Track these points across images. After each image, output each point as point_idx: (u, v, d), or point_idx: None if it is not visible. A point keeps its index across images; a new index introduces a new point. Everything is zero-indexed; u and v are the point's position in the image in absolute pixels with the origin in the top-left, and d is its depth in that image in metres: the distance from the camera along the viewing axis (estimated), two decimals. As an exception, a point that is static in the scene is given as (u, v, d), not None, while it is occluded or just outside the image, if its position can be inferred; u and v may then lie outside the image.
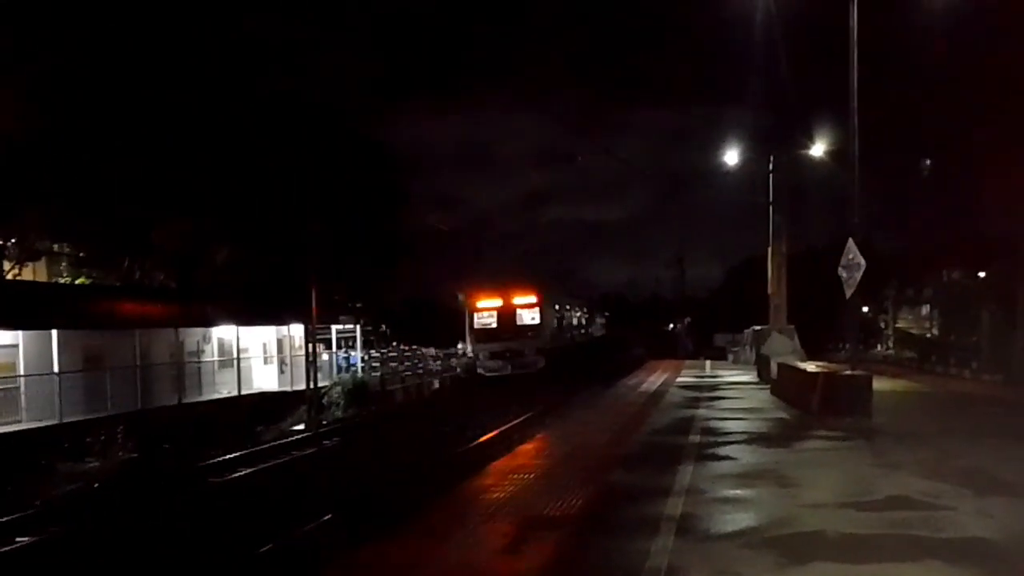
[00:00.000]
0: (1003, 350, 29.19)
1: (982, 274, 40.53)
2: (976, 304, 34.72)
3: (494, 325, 40.82)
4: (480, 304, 41.22)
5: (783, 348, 28.16)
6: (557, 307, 44.57)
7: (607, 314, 61.81)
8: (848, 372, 18.92)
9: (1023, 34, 23.62)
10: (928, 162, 30.42)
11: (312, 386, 30.19)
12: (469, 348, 42.66)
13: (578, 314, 49.94)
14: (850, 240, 18.50)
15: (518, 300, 40.80)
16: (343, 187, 37.90)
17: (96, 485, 19.61)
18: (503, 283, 41.37)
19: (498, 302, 40.85)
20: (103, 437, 22.20)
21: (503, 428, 26.13)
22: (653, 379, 32.50)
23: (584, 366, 42.03)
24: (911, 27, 25.27)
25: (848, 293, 18.71)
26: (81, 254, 30.78)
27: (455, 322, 58.25)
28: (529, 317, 40.82)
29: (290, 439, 25.81)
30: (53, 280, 30.14)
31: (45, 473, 20.15)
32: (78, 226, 28.81)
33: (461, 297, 42.02)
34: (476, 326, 41.45)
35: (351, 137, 40.30)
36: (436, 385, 41.19)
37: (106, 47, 27.68)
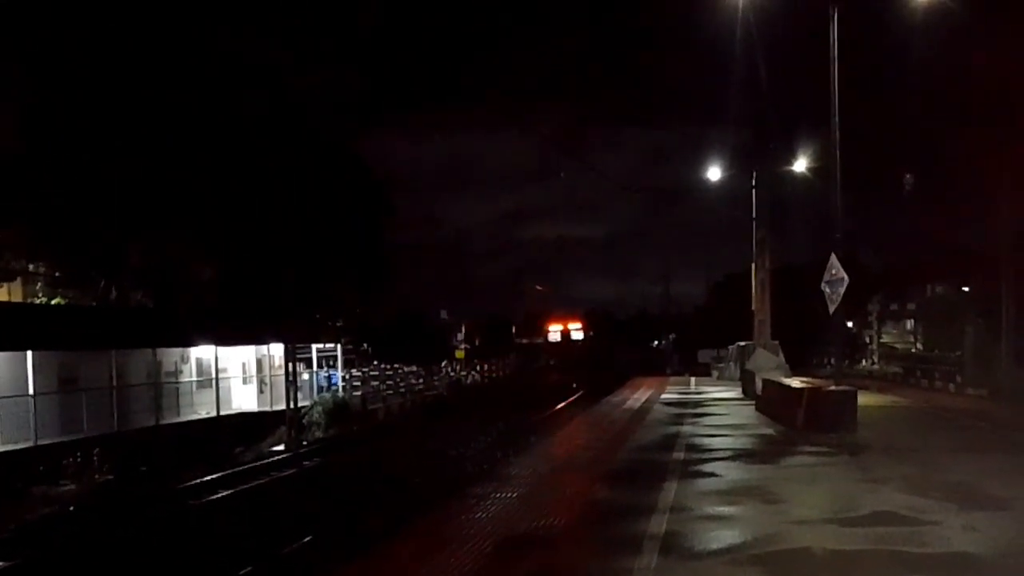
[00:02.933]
0: (986, 364, 29.18)
1: (966, 288, 40.63)
2: (960, 318, 34.74)
3: (559, 339, 70.36)
4: (551, 328, 71.13)
5: (768, 364, 28.00)
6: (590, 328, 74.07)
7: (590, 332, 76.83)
8: (833, 387, 18.83)
9: (1003, 48, 23.75)
10: (911, 177, 30.44)
11: (292, 406, 29.85)
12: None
13: (590, 333, 76.04)
14: (833, 255, 18.47)
15: (571, 325, 71.25)
16: (325, 204, 37.71)
17: (71, 508, 19.25)
18: (563, 315, 72.18)
19: (560, 326, 70.83)
20: (79, 460, 21.81)
21: (483, 447, 26.12)
22: (638, 395, 32.32)
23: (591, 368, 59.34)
24: (893, 41, 25.37)
25: (832, 308, 18.66)
26: (57, 274, 30.39)
27: (439, 340, 58.48)
28: (577, 335, 70.89)
29: (270, 460, 25.47)
30: (28, 300, 29.75)
31: (19, 497, 19.77)
32: (54, 244, 28.45)
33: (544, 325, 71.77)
34: (549, 340, 71.29)
35: (335, 155, 40.17)
36: (418, 404, 41.07)
37: (85, 56, 27.57)
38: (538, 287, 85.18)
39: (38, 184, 26.92)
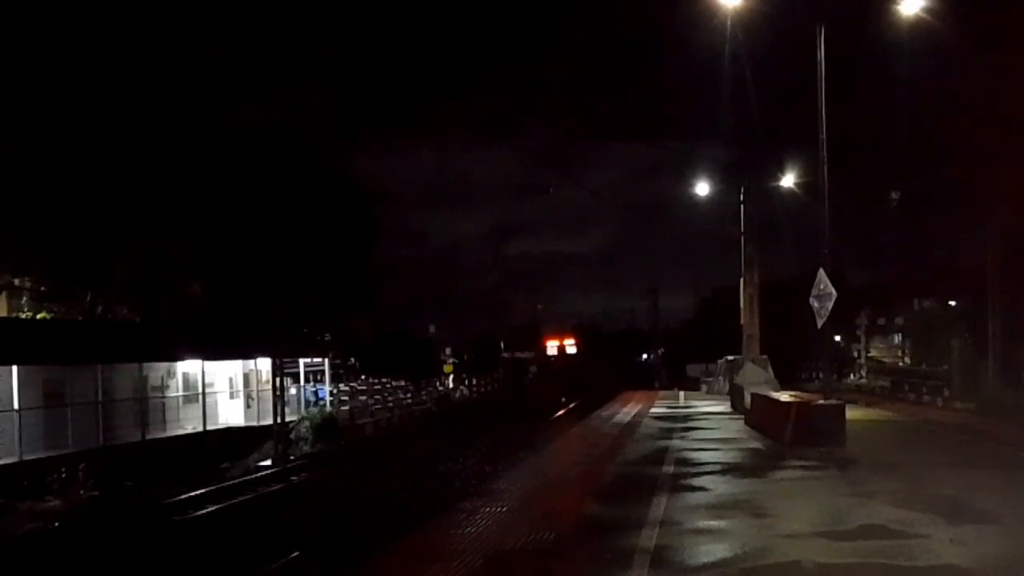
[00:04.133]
0: (973, 378, 29.29)
1: (952, 303, 40.82)
2: (947, 333, 34.87)
3: (555, 353, 74.97)
4: (549, 344, 75.47)
5: (756, 378, 28.02)
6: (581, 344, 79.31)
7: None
8: (821, 401, 18.84)
9: (991, 68, 23.96)
10: (897, 193, 30.63)
11: (279, 421, 29.67)
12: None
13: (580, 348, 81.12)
14: (821, 270, 18.50)
15: (566, 341, 76.01)
16: (311, 218, 37.66)
17: (56, 524, 19.08)
18: (559, 331, 77.36)
19: (557, 342, 75.60)
20: (64, 475, 21.64)
21: (472, 462, 26.12)
22: (628, 409, 32.30)
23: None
24: (884, 58, 25.53)
25: (820, 323, 18.70)
26: (43, 288, 30.24)
27: (427, 355, 58.42)
28: (571, 349, 75.68)
29: (257, 475, 25.32)
30: (14, 315, 29.56)
31: (4, 512, 19.62)
32: (39, 257, 28.33)
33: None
34: (546, 354, 75.16)
35: (320, 168, 40.16)
36: (407, 419, 40.93)
37: (70, 72, 27.51)
38: (539, 306, 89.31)
39: (26, 194, 26.82)
